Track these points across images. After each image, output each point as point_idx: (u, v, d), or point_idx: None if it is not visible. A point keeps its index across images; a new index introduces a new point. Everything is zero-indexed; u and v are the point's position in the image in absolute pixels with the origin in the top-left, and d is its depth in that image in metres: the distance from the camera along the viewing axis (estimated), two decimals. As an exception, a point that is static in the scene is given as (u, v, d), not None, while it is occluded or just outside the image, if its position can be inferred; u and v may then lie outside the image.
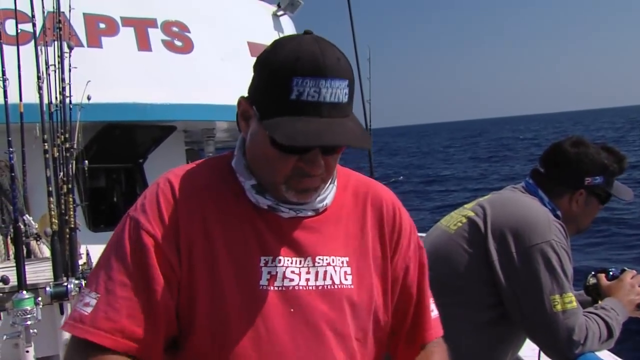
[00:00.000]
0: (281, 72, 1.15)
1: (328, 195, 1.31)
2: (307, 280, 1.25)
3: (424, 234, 4.37)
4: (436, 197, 22.11)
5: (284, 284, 1.23)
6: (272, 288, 1.22)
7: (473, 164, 35.82)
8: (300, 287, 1.24)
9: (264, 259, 1.24)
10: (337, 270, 1.27)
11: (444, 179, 28.63)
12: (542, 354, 2.16)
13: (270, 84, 1.17)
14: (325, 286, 1.26)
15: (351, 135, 1.16)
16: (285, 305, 1.23)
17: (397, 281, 1.37)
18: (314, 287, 1.25)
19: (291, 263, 1.25)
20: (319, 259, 1.27)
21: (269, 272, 1.23)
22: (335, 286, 1.26)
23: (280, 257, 1.25)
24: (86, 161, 4.39)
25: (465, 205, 2.23)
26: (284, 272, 1.24)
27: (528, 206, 2.08)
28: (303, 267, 1.25)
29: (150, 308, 1.19)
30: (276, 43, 1.22)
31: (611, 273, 2.23)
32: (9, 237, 4.35)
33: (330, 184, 1.31)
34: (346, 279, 1.28)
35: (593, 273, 2.29)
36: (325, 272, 1.26)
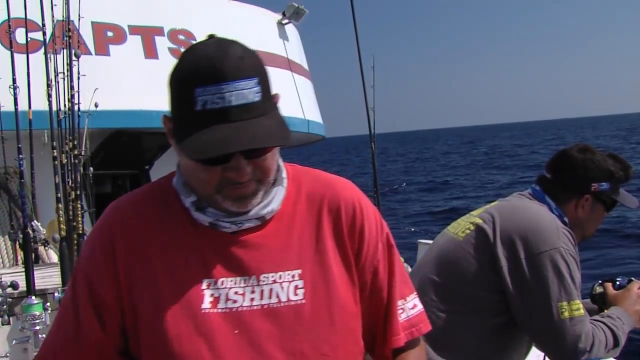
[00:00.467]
0: (184, 86, 1.13)
1: (273, 199, 1.25)
2: (252, 300, 1.21)
3: (430, 241, 4.41)
4: (438, 204, 22.10)
5: (227, 306, 1.20)
6: (215, 310, 1.20)
7: (473, 170, 35.81)
8: (244, 308, 1.21)
9: (207, 282, 1.22)
10: (285, 287, 1.23)
11: (444, 186, 28.61)
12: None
13: (177, 99, 1.16)
14: (271, 304, 1.21)
15: (263, 135, 1.12)
16: (230, 327, 1.20)
17: (365, 286, 1.32)
18: (258, 307, 1.21)
19: (235, 283, 1.22)
20: (264, 276, 1.23)
21: (212, 295, 1.21)
22: (282, 304, 1.22)
23: (224, 279, 1.22)
24: (91, 168, 4.43)
25: (473, 212, 2.25)
26: (227, 293, 1.21)
27: (536, 213, 2.10)
28: (247, 286, 1.22)
29: (79, 342, 1.25)
30: (181, 55, 1.19)
31: (618, 283, 2.25)
32: (17, 243, 4.38)
33: (275, 186, 1.26)
34: (296, 294, 1.23)
35: (600, 282, 2.31)
36: (271, 290, 1.22)
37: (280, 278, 1.23)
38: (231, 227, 1.23)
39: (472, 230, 2.12)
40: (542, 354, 2.18)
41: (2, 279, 3.32)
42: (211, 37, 1.19)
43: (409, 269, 4.65)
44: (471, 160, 45.56)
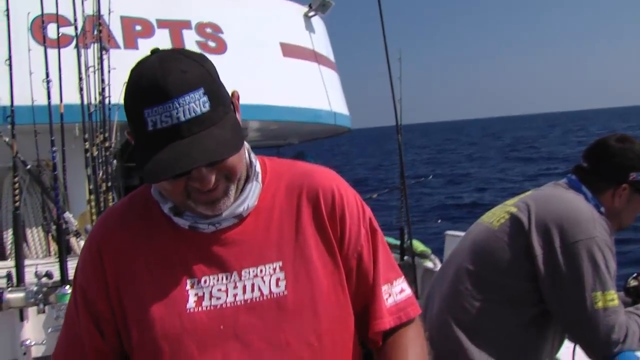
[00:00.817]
0: (133, 108, 1.16)
1: (248, 196, 1.27)
2: (235, 295, 1.24)
3: (458, 232, 4.40)
4: (463, 196, 21.99)
5: (212, 303, 1.24)
6: (200, 309, 1.24)
7: (497, 162, 35.54)
8: (228, 304, 1.24)
9: (190, 282, 1.25)
10: (267, 280, 1.25)
11: (469, 178, 28.44)
12: (576, 352, 2.18)
13: (130, 121, 1.19)
14: (254, 299, 1.24)
15: (214, 148, 1.13)
16: (215, 324, 1.23)
17: (351, 272, 1.33)
18: (242, 302, 1.24)
19: (217, 281, 1.25)
20: (245, 272, 1.25)
21: (196, 294, 1.24)
22: (264, 297, 1.24)
23: (206, 277, 1.25)
24: (114, 161, 4.49)
25: (507, 202, 2.24)
26: (211, 291, 1.24)
27: (572, 202, 2.09)
28: (230, 283, 1.25)
29: (82, 348, 1.31)
30: (129, 75, 1.20)
31: None
32: (50, 234, 4.47)
33: (249, 182, 1.28)
34: (278, 286, 1.25)
35: (635, 275, 2.30)
36: (253, 284, 1.25)
37: (261, 272, 1.26)
38: (209, 228, 1.27)
39: (507, 220, 2.12)
40: (573, 344, 2.18)
41: (37, 269, 3.40)
42: (154, 51, 1.21)
43: (437, 262, 4.68)
44: (495, 152, 45.22)
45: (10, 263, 3.62)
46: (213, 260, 1.26)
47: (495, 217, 2.18)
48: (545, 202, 2.11)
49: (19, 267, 3.38)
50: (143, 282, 1.27)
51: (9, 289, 3.27)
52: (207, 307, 1.24)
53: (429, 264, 4.75)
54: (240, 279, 1.25)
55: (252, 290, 1.25)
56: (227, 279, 1.25)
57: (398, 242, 4.87)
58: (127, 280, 1.27)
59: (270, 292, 1.25)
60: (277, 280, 1.25)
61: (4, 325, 3.33)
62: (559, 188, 2.21)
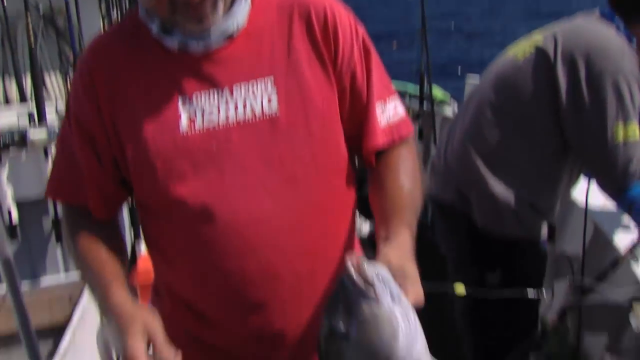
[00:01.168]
0: None
1: (237, 11, 1.25)
2: (227, 116, 1.23)
3: (477, 77, 4.30)
4: (483, 51, 21.50)
5: (205, 125, 1.23)
6: (193, 132, 1.23)
7: (522, 17, 34.38)
8: (221, 126, 1.23)
9: (181, 99, 1.24)
10: (258, 98, 1.24)
11: (491, 33, 27.63)
12: (590, 189, 2.20)
13: None
14: (247, 120, 1.24)
15: None
16: (208, 144, 1.23)
17: (345, 91, 1.31)
18: (234, 123, 1.23)
19: (208, 97, 1.24)
20: (237, 88, 1.24)
21: (188, 114, 1.23)
22: (257, 117, 1.24)
23: (197, 93, 1.24)
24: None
25: (534, 32, 2.16)
26: (203, 110, 1.23)
27: (602, 33, 2.01)
28: (221, 99, 1.24)
29: (80, 174, 1.31)
30: None
31: None
32: (67, 78, 4.47)
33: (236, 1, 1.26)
34: (270, 103, 1.24)
35: None
36: (245, 102, 1.24)
37: (253, 87, 1.25)
38: (200, 47, 1.24)
39: (532, 53, 2.05)
40: (587, 182, 2.20)
41: (58, 108, 3.45)
42: None
43: (456, 109, 4.64)
44: (520, 5, 43.62)
45: (31, 104, 3.66)
46: (204, 77, 1.25)
47: (521, 49, 2.12)
48: (573, 33, 2.03)
49: (40, 105, 3.43)
50: (135, 103, 1.26)
51: (32, 127, 3.34)
52: (199, 130, 1.23)
53: (448, 112, 4.72)
54: (232, 95, 1.24)
55: (244, 108, 1.24)
56: (218, 94, 1.24)
57: (417, 91, 4.81)
58: (119, 102, 1.26)
59: (263, 112, 1.24)
60: (268, 98, 1.25)
61: (30, 161, 3.48)
62: (590, 18, 2.11)
